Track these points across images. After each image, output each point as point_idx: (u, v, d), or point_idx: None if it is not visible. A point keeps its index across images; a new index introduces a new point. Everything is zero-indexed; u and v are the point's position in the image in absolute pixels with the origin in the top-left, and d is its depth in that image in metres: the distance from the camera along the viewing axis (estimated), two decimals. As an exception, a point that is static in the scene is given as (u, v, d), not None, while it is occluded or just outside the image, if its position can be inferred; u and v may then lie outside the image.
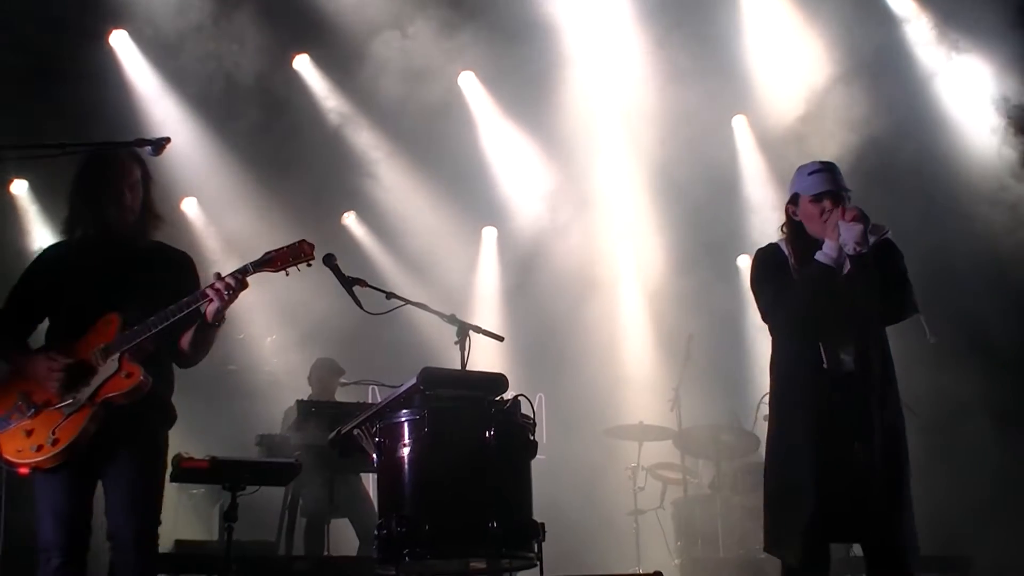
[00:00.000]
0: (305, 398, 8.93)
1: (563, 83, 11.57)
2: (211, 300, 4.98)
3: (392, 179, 12.10)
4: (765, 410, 9.37)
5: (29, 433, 4.88)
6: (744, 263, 12.70)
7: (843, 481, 4.93)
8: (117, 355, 4.95)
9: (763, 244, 5.50)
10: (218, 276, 5.01)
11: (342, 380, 9.37)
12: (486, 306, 12.50)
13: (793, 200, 5.33)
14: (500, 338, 5.95)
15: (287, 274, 5.14)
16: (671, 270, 11.75)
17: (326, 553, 8.48)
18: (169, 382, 5.26)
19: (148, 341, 4.99)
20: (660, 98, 11.18)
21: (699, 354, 9.70)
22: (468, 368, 5.68)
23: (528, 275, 12.28)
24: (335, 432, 5.84)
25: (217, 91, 10.63)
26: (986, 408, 10.24)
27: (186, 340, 5.14)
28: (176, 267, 5.35)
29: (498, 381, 5.50)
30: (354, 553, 8.61)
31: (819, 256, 5.10)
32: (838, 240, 5.06)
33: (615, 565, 9.56)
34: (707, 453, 9.41)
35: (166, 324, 4.97)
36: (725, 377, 11.42)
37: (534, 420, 5.44)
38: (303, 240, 5.15)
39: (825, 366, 5.08)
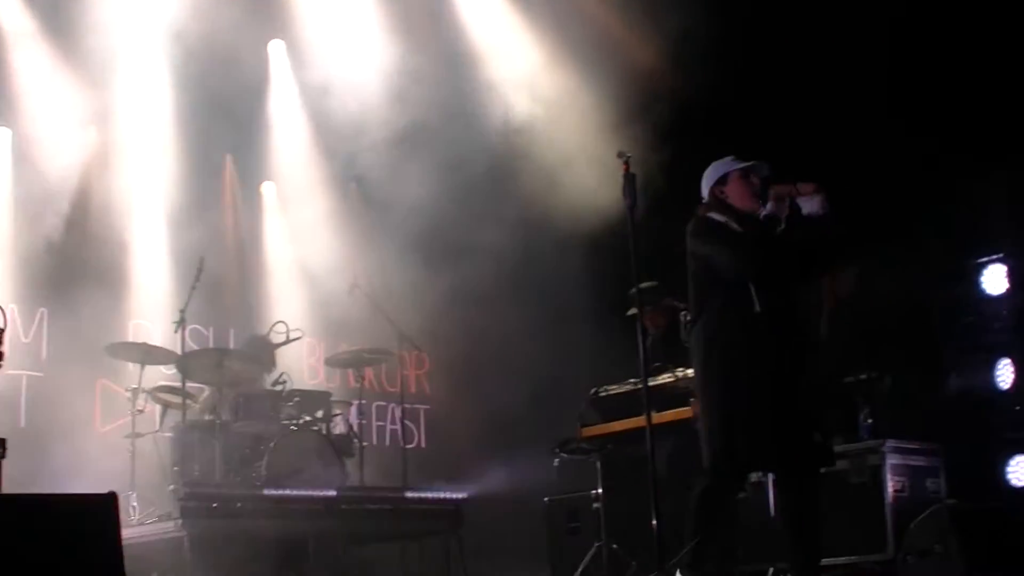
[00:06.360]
0: None
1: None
2: None
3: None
4: (275, 337, 9.56)
5: None
6: (268, 189, 12.59)
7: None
8: None
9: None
10: None
11: None
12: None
13: (721, 181, 6.15)
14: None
15: None
16: (190, 191, 11.44)
17: None
18: None
19: None
20: (195, 17, 10.83)
21: (210, 277, 9.52)
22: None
23: (47, 185, 11.59)
24: None
25: None
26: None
27: None
28: None
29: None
30: None
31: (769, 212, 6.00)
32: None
33: (107, 486, 9.25)
34: (211, 378, 9.27)
35: None
36: (238, 301, 11.39)
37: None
38: None
39: (758, 309, 5.85)
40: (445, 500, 9.10)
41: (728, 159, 6.22)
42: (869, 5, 9.65)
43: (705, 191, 6.26)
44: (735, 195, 6.13)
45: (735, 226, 6.05)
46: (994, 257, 8.92)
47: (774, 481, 7.34)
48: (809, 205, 6.02)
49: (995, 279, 8.91)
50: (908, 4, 9.46)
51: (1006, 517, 7.70)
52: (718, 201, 6.16)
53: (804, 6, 9.90)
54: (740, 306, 5.90)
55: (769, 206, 6.06)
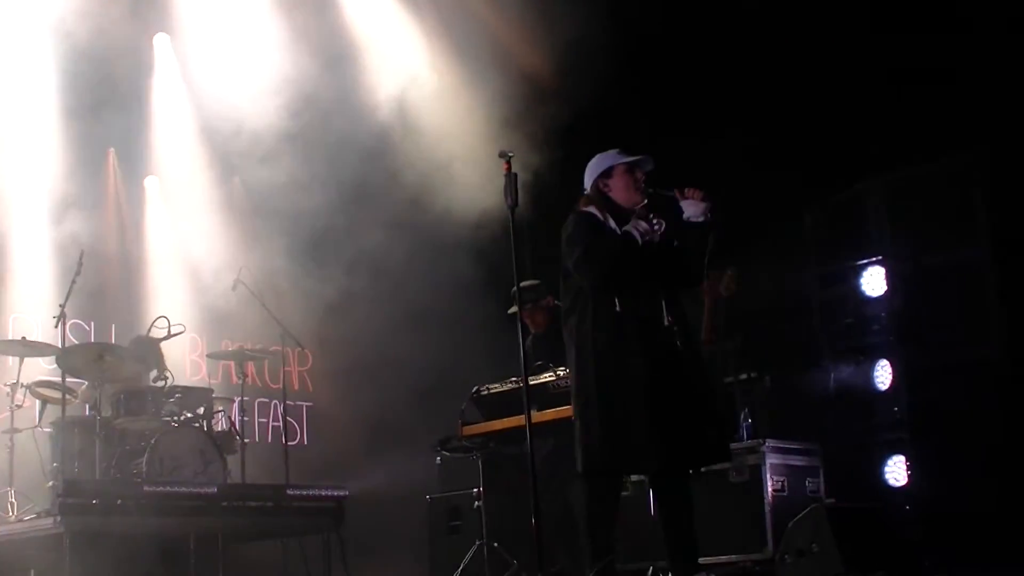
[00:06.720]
0: None
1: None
2: None
3: None
4: (157, 333, 9.51)
5: None
6: (152, 183, 12.48)
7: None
8: None
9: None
10: None
11: None
12: None
13: (605, 174, 6.16)
14: None
15: None
16: (72, 185, 11.29)
17: None
18: None
19: None
20: (79, 9, 10.70)
21: (91, 271, 9.44)
22: None
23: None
24: None
25: None
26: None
27: None
28: None
29: None
30: None
31: (628, 228, 6.03)
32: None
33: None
34: (90, 374, 9.19)
35: None
36: (120, 295, 11.29)
37: None
38: None
39: (618, 309, 5.90)
40: (327, 498, 9.10)
41: (613, 152, 6.26)
42: (748, 15, 9.89)
43: (588, 183, 6.28)
44: (618, 189, 6.17)
45: (612, 224, 6.09)
46: (874, 259, 9.17)
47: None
48: (692, 209, 6.08)
49: (874, 281, 9.16)
50: (784, 14, 9.72)
51: (882, 516, 7.93)
52: (600, 194, 6.20)
53: (691, 15, 10.13)
54: (606, 307, 5.96)
55: (634, 223, 6.09)
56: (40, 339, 9.69)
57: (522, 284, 7.44)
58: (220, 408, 9.97)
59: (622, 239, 6.03)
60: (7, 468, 9.05)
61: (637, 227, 6.06)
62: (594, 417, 5.94)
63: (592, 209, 6.16)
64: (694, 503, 6.09)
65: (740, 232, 6.88)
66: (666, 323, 6.03)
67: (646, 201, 6.18)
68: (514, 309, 7.49)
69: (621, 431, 5.86)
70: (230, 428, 9.92)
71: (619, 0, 9.92)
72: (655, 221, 6.13)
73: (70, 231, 10.91)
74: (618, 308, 5.92)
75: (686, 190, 6.11)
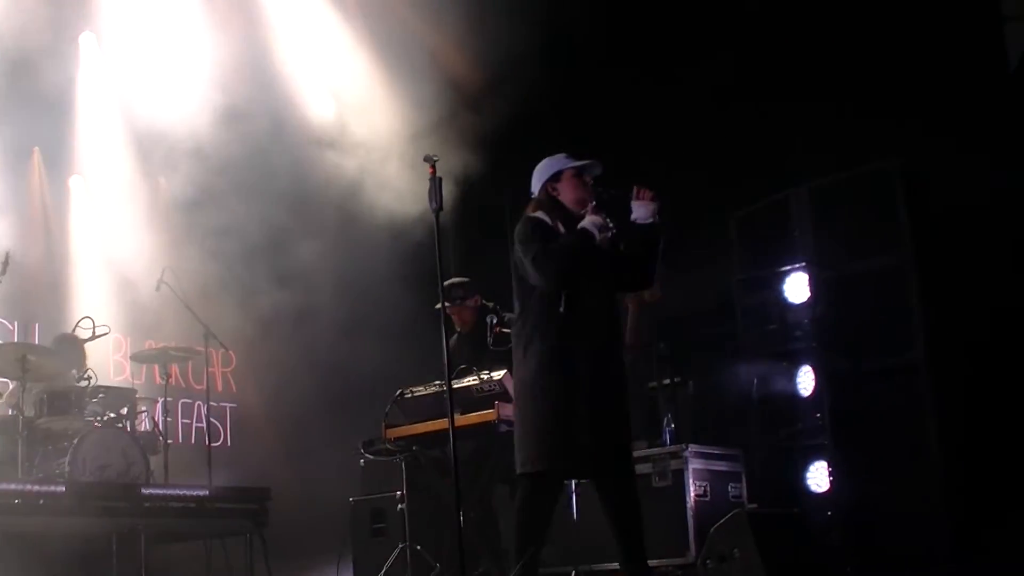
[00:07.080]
0: None
1: None
2: None
3: None
4: (82, 333, 9.45)
5: None
6: (77, 183, 12.39)
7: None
8: None
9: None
10: None
11: None
12: None
13: (554, 178, 6.18)
14: None
15: None
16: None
17: None
18: None
19: None
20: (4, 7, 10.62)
21: (16, 270, 9.38)
22: None
23: None
24: None
25: None
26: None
27: None
28: None
29: None
30: None
31: (586, 224, 6.01)
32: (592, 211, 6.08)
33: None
34: (13, 373, 9.12)
35: None
36: (45, 295, 11.20)
37: None
38: None
39: (562, 309, 5.89)
40: (250, 499, 9.09)
41: (561, 156, 6.27)
42: (677, 21, 10.01)
43: (536, 187, 6.27)
44: (567, 193, 6.18)
45: (561, 228, 6.09)
46: (797, 266, 9.24)
47: (576, 485, 7.52)
48: (640, 210, 6.12)
49: (797, 287, 9.24)
50: (715, 22, 9.86)
51: (804, 522, 8.02)
52: (549, 198, 6.20)
53: (621, 24, 10.24)
54: (554, 309, 5.93)
55: (590, 219, 6.10)
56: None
57: (451, 281, 7.44)
58: (143, 408, 9.94)
59: (579, 235, 6.05)
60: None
61: (594, 222, 6.06)
62: (546, 417, 5.91)
63: (541, 215, 6.15)
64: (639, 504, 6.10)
65: (665, 236, 6.94)
66: (609, 326, 6.11)
67: (595, 203, 6.19)
68: (439, 306, 7.50)
69: (570, 432, 5.84)
70: (153, 429, 9.90)
71: (551, 10, 9.98)
72: (610, 222, 6.15)
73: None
74: (562, 309, 5.91)
75: (639, 190, 6.16)
